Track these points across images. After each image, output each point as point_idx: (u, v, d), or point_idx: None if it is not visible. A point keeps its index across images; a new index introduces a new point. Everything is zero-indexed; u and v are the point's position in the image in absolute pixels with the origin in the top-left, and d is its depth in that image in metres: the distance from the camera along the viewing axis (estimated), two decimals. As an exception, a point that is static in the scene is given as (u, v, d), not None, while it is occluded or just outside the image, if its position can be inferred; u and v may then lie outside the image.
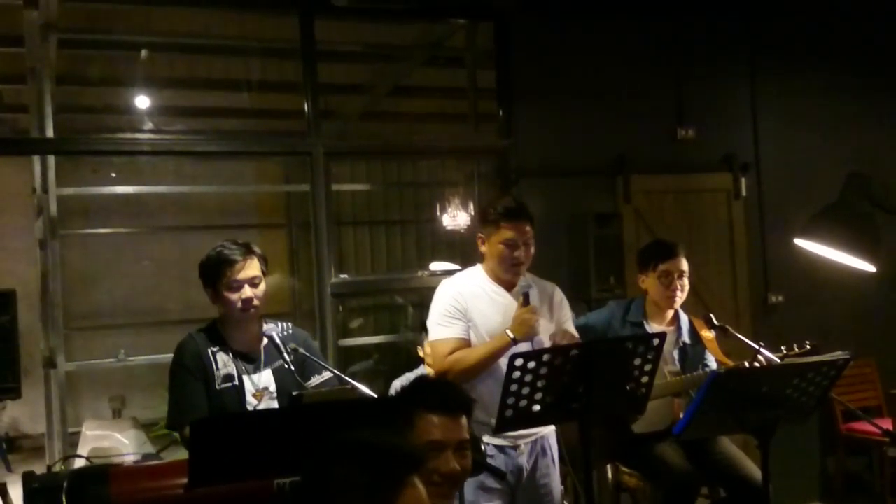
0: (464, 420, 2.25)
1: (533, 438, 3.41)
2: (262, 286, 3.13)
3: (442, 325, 3.38)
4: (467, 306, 3.37)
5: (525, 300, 3.28)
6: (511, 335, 3.23)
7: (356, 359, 6.68)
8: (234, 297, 3.07)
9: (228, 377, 3.06)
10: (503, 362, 3.21)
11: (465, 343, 3.35)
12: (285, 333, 3.19)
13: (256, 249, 3.16)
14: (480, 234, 3.46)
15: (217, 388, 3.04)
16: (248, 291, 3.07)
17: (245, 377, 3.09)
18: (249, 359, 3.13)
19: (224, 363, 3.08)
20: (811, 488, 5.65)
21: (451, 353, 3.33)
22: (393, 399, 2.32)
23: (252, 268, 3.10)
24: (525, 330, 3.22)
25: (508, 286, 3.41)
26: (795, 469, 5.33)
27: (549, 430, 3.48)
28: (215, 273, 3.09)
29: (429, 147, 6.02)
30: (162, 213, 8.44)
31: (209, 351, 3.08)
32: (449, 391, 2.30)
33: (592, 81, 5.39)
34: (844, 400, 4.29)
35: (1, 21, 5.51)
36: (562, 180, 5.27)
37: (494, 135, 5.36)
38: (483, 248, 3.45)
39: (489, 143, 5.39)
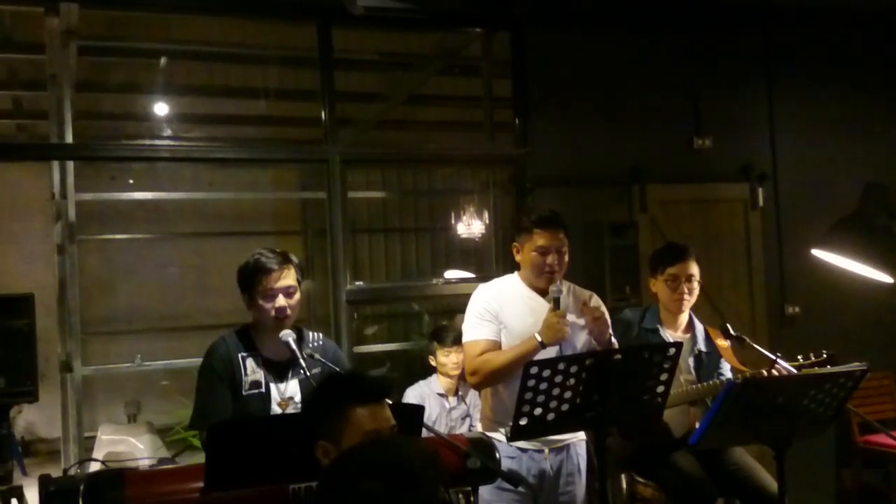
0: (387, 406, 2.29)
1: (560, 444, 3.42)
2: (297, 296, 3.16)
3: (473, 327, 3.44)
4: (500, 309, 3.42)
5: (555, 305, 3.31)
6: (539, 339, 3.25)
7: (370, 366, 6.68)
8: (267, 305, 3.09)
9: (256, 384, 3.09)
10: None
11: (495, 345, 3.39)
12: (315, 344, 3.22)
13: (294, 259, 3.20)
14: (515, 244, 3.51)
15: (244, 393, 3.07)
16: (282, 301, 3.10)
17: (272, 385, 3.11)
18: (278, 367, 3.14)
19: (253, 369, 3.10)
20: (827, 501, 5.62)
21: (481, 354, 3.37)
22: (318, 401, 2.32)
23: (288, 277, 3.13)
24: (553, 334, 3.24)
25: (543, 292, 3.44)
26: (812, 481, 5.30)
27: (579, 437, 3.48)
28: (251, 280, 3.12)
29: (444, 155, 6.02)
30: (179, 219, 8.48)
31: (239, 356, 3.10)
32: (368, 381, 2.34)
33: (609, 90, 5.39)
34: (861, 412, 4.25)
35: (22, 28, 5.58)
36: (577, 189, 5.26)
37: (510, 144, 5.37)
38: (518, 258, 3.50)
39: (505, 151, 5.39)
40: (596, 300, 3.60)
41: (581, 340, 3.45)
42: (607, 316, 3.52)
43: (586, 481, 3.55)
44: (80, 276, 4.88)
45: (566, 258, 3.45)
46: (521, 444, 3.32)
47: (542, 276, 3.41)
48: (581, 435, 3.48)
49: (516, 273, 3.56)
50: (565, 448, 3.45)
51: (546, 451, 3.40)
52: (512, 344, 3.37)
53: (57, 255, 4.70)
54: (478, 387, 3.54)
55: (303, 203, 9.04)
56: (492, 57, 5.59)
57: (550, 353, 3.23)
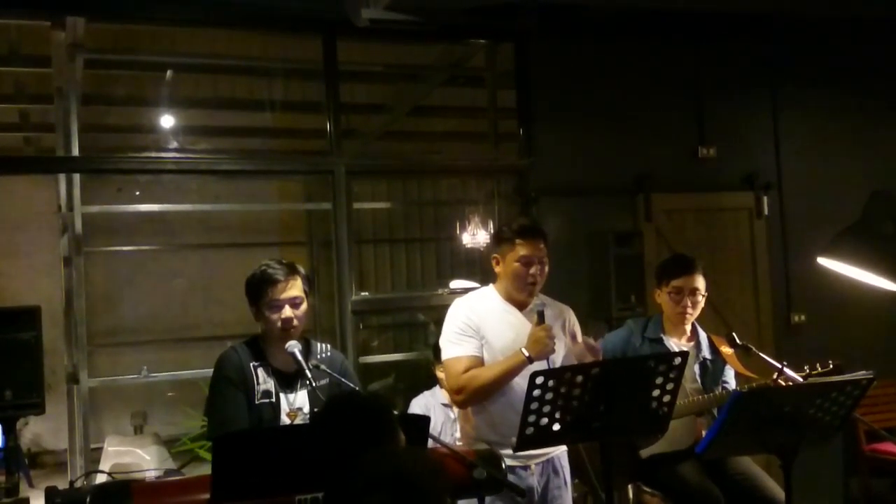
0: None
1: (544, 458, 3.40)
2: (304, 306, 3.16)
3: (455, 344, 3.37)
4: (480, 324, 3.36)
5: (540, 318, 3.26)
6: (526, 353, 3.22)
7: (375, 377, 6.68)
8: (274, 316, 3.10)
9: (267, 393, 3.09)
10: (515, 382, 3.22)
11: (479, 361, 3.33)
12: (323, 355, 3.22)
13: (300, 269, 3.20)
14: (495, 255, 3.46)
15: (256, 402, 3.07)
16: (288, 312, 3.10)
17: (282, 395, 3.11)
18: (287, 378, 3.14)
19: (264, 379, 3.10)
20: (835, 510, 5.58)
21: (466, 371, 3.31)
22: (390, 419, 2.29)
23: (294, 288, 3.13)
24: (540, 348, 3.21)
25: (521, 305, 3.41)
26: (819, 490, 5.29)
27: (561, 450, 3.47)
28: (258, 291, 3.13)
29: (449, 166, 6.04)
30: (185, 230, 8.49)
31: (251, 365, 3.11)
32: (390, 418, 2.30)
33: (613, 100, 5.40)
34: (868, 420, 4.24)
35: (29, 41, 5.61)
36: (582, 199, 5.27)
37: (514, 154, 5.38)
38: (498, 269, 3.45)
39: (509, 162, 5.41)
40: (572, 316, 3.57)
41: (562, 353, 3.40)
42: (579, 335, 3.50)
43: (570, 492, 3.53)
44: (87, 288, 4.90)
45: (546, 269, 3.40)
46: (507, 461, 3.19)
47: (524, 288, 3.36)
48: (562, 447, 3.44)
49: (492, 286, 3.50)
50: (550, 461, 3.42)
51: (532, 466, 3.36)
52: (493, 359, 3.32)
53: (63, 267, 4.72)
54: (464, 405, 3.42)
55: (308, 214, 9.05)
56: (496, 68, 5.61)
57: (537, 367, 3.18)
